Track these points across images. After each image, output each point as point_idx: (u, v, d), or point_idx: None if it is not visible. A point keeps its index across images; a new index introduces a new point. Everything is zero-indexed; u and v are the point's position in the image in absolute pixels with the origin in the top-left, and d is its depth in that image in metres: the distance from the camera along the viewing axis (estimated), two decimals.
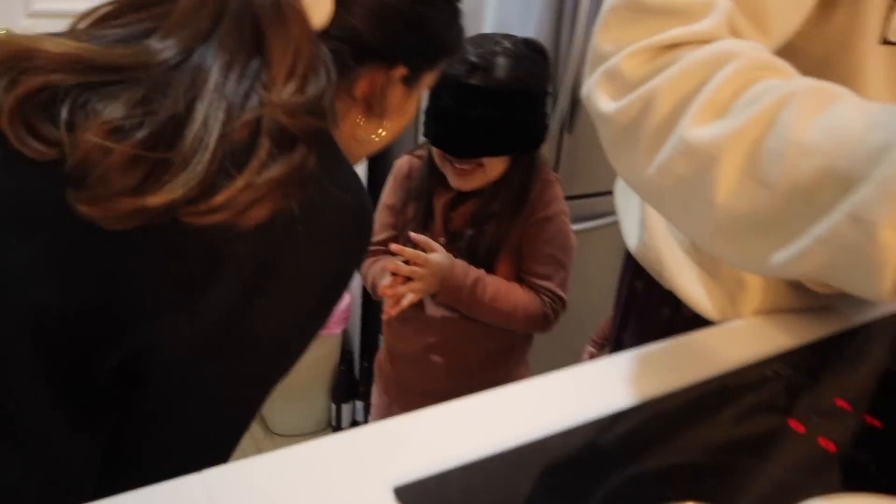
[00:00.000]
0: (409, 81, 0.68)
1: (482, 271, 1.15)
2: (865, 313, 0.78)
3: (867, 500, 0.40)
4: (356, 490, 0.46)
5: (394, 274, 1.11)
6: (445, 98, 1.09)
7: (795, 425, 0.58)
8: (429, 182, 1.22)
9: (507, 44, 1.11)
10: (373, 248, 1.25)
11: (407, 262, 1.10)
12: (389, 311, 1.11)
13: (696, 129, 0.48)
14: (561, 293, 1.20)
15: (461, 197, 1.19)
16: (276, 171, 0.46)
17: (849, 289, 0.47)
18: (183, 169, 0.45)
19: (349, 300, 2.00)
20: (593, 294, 1.71)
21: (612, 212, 2.05)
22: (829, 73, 0.51)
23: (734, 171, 0.46)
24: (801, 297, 0.76)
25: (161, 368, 0.53)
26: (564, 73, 1.74)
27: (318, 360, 2.02)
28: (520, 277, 1.20)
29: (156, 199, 0.44)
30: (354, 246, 0.56)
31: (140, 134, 0.45)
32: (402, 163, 1.27)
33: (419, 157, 1.24)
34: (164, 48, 0.48)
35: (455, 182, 1.17)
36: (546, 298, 1.18)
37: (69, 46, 0.48)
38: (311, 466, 0.48)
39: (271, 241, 0.49)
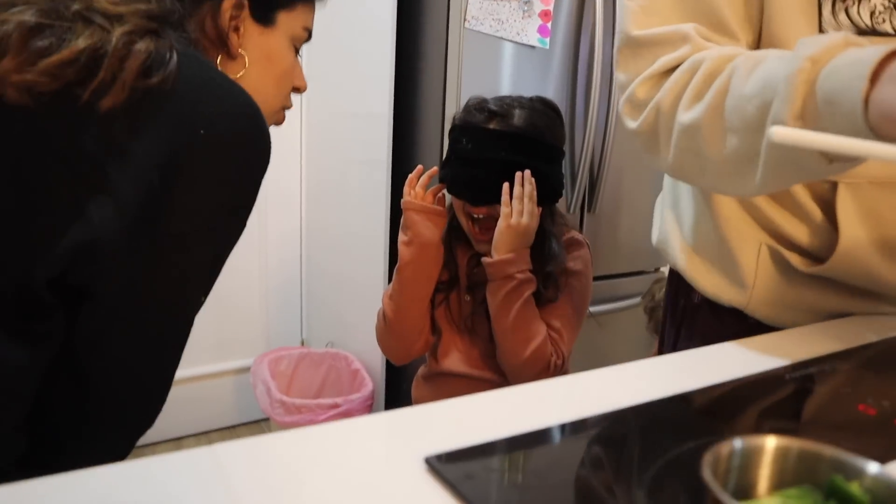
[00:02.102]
0: (261, 18, 0.72)
1: None
2: None
3: None
4: (389, 461, 0.42)
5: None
6: (465, 143, 1.11)
7: (866, 409, 0.53)
8: (450, 244, 1.21)
9: (523, 99, 1.15)
10: None
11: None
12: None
13: (686, 114, 0.65)
14: (565, 352, 1.14)
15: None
16: (129, 24, 0.58)
17: (802, 172, 0.58)
18: (82, 31, 0.56)
19: (372, 388, 1.92)
20: None
21: (634, 294, 2.02)
22: None
23: (714, 130, 0.62)
24: (797, 283, 0.76)
25: (100, 272, 0.56)
26: (582, 153, 1.77)
27: None
28: None
29: (63, 55, 0.54)
30: (255, 146, 0.61)
31: (32, 11, 0.55)
32: None
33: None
34: None
35: (477, 246, 1.17)
36: (555, 350, 1.13)
37: None
38: (346, 441, 0.45)
39: (175, 130, 0.57)
